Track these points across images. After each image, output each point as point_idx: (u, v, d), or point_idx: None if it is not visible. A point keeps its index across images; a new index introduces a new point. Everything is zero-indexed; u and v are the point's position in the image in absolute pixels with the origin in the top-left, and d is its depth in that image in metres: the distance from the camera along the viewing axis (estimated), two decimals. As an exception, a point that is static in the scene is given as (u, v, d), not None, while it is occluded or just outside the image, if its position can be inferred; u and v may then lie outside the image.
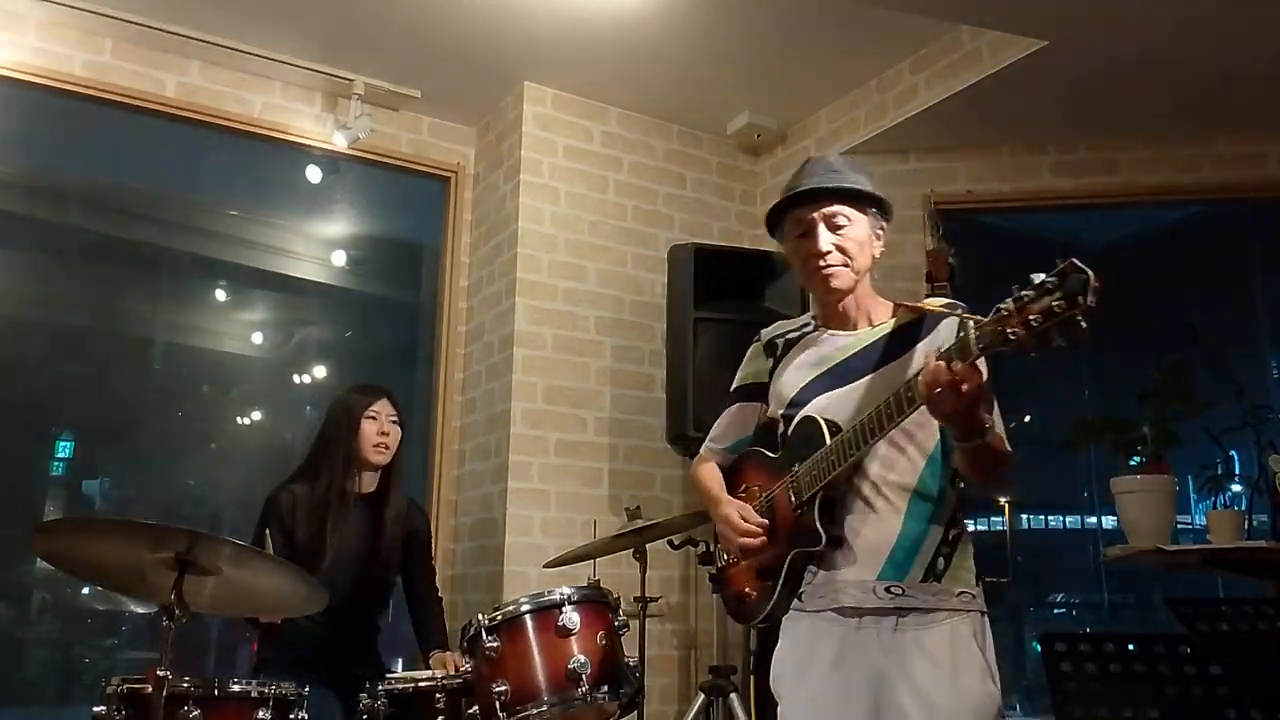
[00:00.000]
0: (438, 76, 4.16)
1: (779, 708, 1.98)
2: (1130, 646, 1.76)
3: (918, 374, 1.68)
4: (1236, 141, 4.06)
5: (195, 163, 4.27)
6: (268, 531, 2.81)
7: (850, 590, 1.88)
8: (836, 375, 1.96)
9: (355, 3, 3.68)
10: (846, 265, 1.95)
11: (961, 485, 1.94)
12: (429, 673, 2.85)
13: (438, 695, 2.57)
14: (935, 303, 1.94)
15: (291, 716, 2.46)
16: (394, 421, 3.14)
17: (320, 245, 4.63)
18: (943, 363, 1.62)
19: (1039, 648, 2.01)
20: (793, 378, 2.02)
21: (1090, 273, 1.43)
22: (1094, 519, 5.21)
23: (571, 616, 2.53)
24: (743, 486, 2.09)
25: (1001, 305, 1.53)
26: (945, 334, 1.87)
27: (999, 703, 1.85)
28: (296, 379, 4.63)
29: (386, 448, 3.11)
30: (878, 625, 1.86)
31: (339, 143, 4.19)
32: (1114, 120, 3.99)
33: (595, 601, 2.63)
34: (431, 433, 4.35)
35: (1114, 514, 3.41)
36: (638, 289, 4.31)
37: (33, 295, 4.06)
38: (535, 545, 3.84)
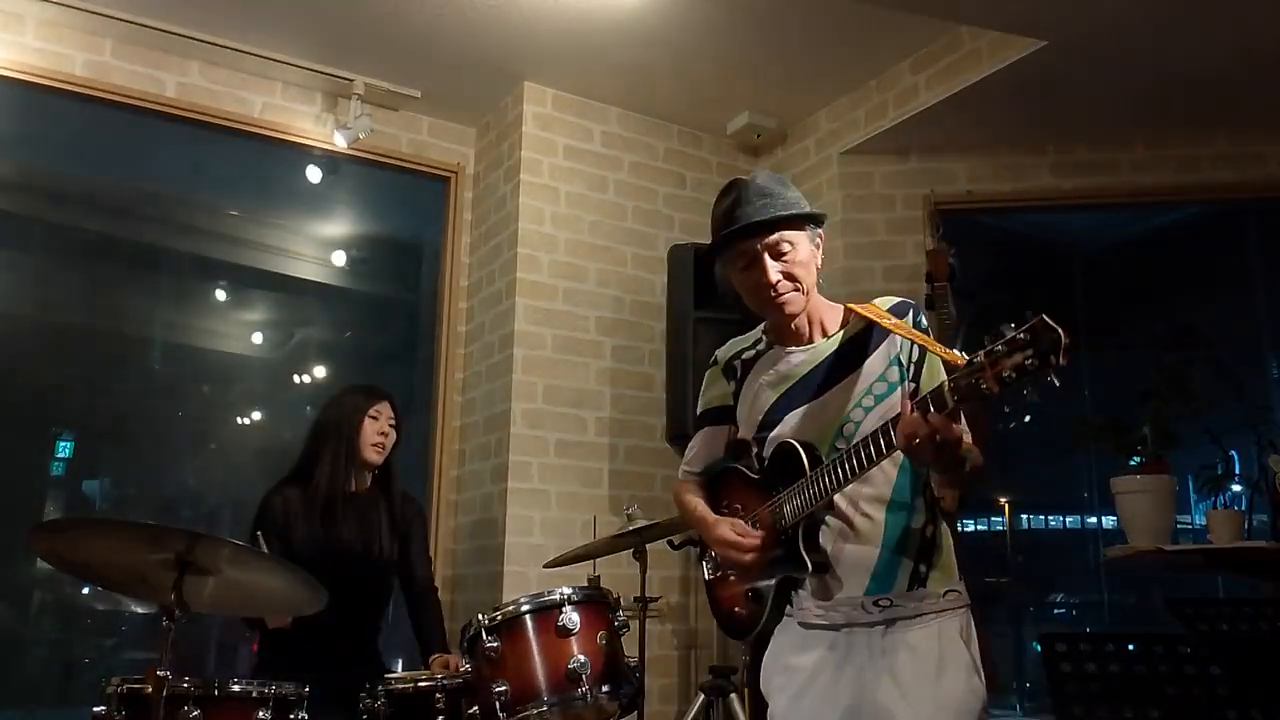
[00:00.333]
0: (438, 76, 4.16)
1: (768, 709, 2.00)
2: (1130, 647, 1.76)
3: (896, 417, 1.69)
4: (1236, 141, 4.06)
5: (195, 163, 4.27)
6: (260, 534, 2.80)
7: (840, 608, 1.91)
8: (799, 391, 1.97)
9: (355, 3, 3.68)
10: (796, 289, 1.96)
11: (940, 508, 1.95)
12: (429, 672, 2.85)
13: (438, 695, 2.57)
14: (885, 302, 1.95)
15: (291, 717, 2.45)
16: (392, 425, 3.16)
17: (320, 245, 4.63)
18: (919, 414, 1.64)
19: (1039, 648, 2.01)
20: (758, 400, 2.03)
21: (1061, 331, 1.45)
22: (1094, 519, 5.21)
23: (571, 617, 2.53)
24: (725, 503, 2.10)
25: (974, 357, 1.55)
26: (899, 340, 1.90)
27: (984, 698, 1.86)
28: (296, 379, 4.62)
29: (384, 448, 3.13)
30: (868, 632, 1.89)
31: (339, 143, 4.19)
32: (1114, 120, 3.99)
33: (595, 602, 2.64)
34: (431, 433, 4.35)
35: (1114, 514, 3.41)
36: (638, 289, 4.31)
37: (33, 295, 4.06)
38: (535, 545, 3.84)
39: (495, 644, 2.51)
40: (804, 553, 1.88)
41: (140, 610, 3.64)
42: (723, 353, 2.16)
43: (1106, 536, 4.58)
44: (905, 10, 3.56)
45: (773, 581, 1.96)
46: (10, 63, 3.71)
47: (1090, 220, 4.91)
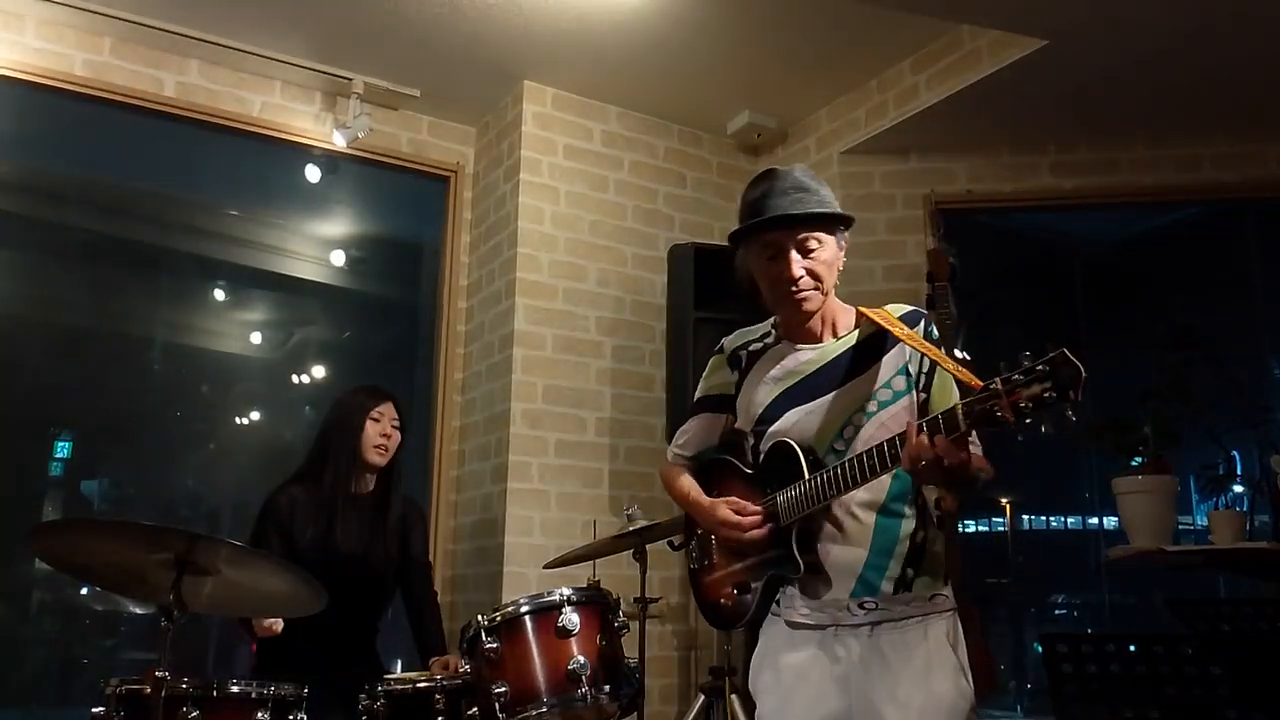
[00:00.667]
0: (437, 76, 4.16)
1: (756, 709, 2.00)
2: (1131, 647, 1.76)
3: (903, 433, 1.69)
4: (1236, 141, 4.06)
5: (195, 162, 4.27)
6: (271, 534, 2.80)
7: (827, 609, 1.91)
8: (804, 390, 1.97)
9: (355, 2, 3.68)
10: (817, 288, 1.96)
11: (940, 509, 1.95)
12: (428, 673, 2.85)
13: (437, 696, 2.56)
14: (897, 310, 1.96)
15: (290, 717, 2.45)
16: (395, 426, 3.16)
17: (319, 245, 4.63)
18: (925, 438, 1.65)
19: (1040, 648, 2.01)
20: (760, 393, 2.03)
21: (1081, 367, 1.47)
22: (1095, 519, 5.21)
23: (571, 617, 2.53)
24: (714, 493, 2.10)
25: (991, 383, 1.56)
26: (909, 350, 1.91)
27: (972, 701, 1.87)
28: (296, 379, 4.62)
29: (386, 450, 3.13)
30: (854, 632, 1.89)
31: (338, 142, 4.19)
32: (1114, 120, 3.99)
33: (595, 602, 2.63)
34: (431, 433, 4.34)
35: (1115, 514, 3.41)
36: (638, 289, 4.31)
37: (32, 295, 4.06)
38: (535, 546, 3.84)
39: (495, 645, 2.50)
40: (797, 554, 1.88)
41: (139, 610, 3.64)
42: (729, 341, 2.15)
43: (1108, 537, 4.58)
44: (905, 10, 3.55)
45: (761, 583, 1.96)
46: (10, 62, 3.71)
47: (1090, 220, 4.91)
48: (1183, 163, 4.12)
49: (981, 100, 3.78)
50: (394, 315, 4.91)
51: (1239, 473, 3.48)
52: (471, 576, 4.07)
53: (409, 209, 4.71)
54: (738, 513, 1.97)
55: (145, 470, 4.33)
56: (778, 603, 1.99)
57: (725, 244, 4.67)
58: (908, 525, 1.91)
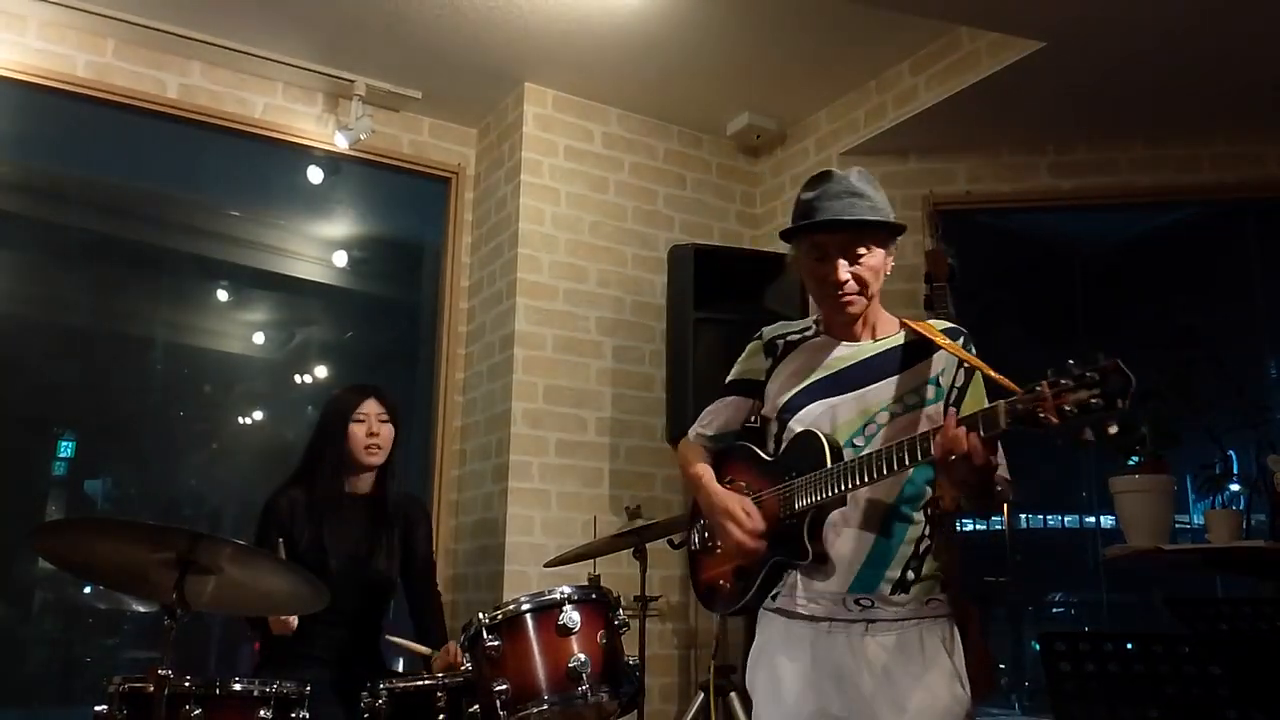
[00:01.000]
0: (439, 77, 4.17)
1: (753, 708, 2.01)
2: (1129, 646, 1.77)
3: (937, 428, 1.70)
4: (1236, 142, 4.06)
5: (196, 163, 4.28)
6: (280, 541, 2.81)
7: (822, 600, 1.93)
8: (833, 383, 1.99)
9: (356, 4, 3.69)
10: (861, 293, 1.97)
11: (940, 508, 1.96)
12: (430, 672, 2.86)
13: (439, 694, 2.57)
14: (939, 325, 1.97)
15: (293, 716, 2.46)
16: (384, 421, 3.11)
17: (321, 245, 4.64)
18: (963, 430, 1.65)
19: (1038, 647, 2.02)
20: (790, 381, 2.04)
21: (1132, 378, 1.47)
22: (1093, 518, 5.21)
23: (572, 616, 2.54)
24: (729, 479, 2.11)
25: (1038, 386, 1.56)
26: (942, 364, 1.93)
27: (968, 706, 1.87)
28: (297, 379, 4.63)
29: (378, 448, 3.09)
30: (847, 631, 1.90)
31: (340, 143, 4.20)
32: (1113, 120, 4.00)
33: (595, 601, 2.64)
34: (432, 433, 4.35)
35: (1113, 513, 3.42)
36: (638, 289, 4.32)
37: (33, 295, 4.07)
38: (535, 545, 3.85)
39: (496, 643, 2.51)
40: (807, 542, 1.89)
41: (142, 609, 3.64)
42: (769, 330, 2.15)
43: (1105, 536, 4.58)
44: (905, 11, 3.56)
45: (764, 567, 1.96)
46: (12, 63, 3.72)
47: (1090, 220, 4.91)
48: (1182, 163, 4.12)
49: (980, 101, 3.79)
50: (395, 316, 4.92)
51: (1236, 472, 3.48)
52: (472, 575, 4.08)
53: (410, 210, 4.72)
54: (749, 514, 1.98)
55: (148, 470, 4.35)
56: (774, 596, 2.00)
57: (725, 245, 4.70)
58: (914, 530, 1.92)
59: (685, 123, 4.54)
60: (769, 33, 3.81)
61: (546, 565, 3.35)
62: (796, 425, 1.98)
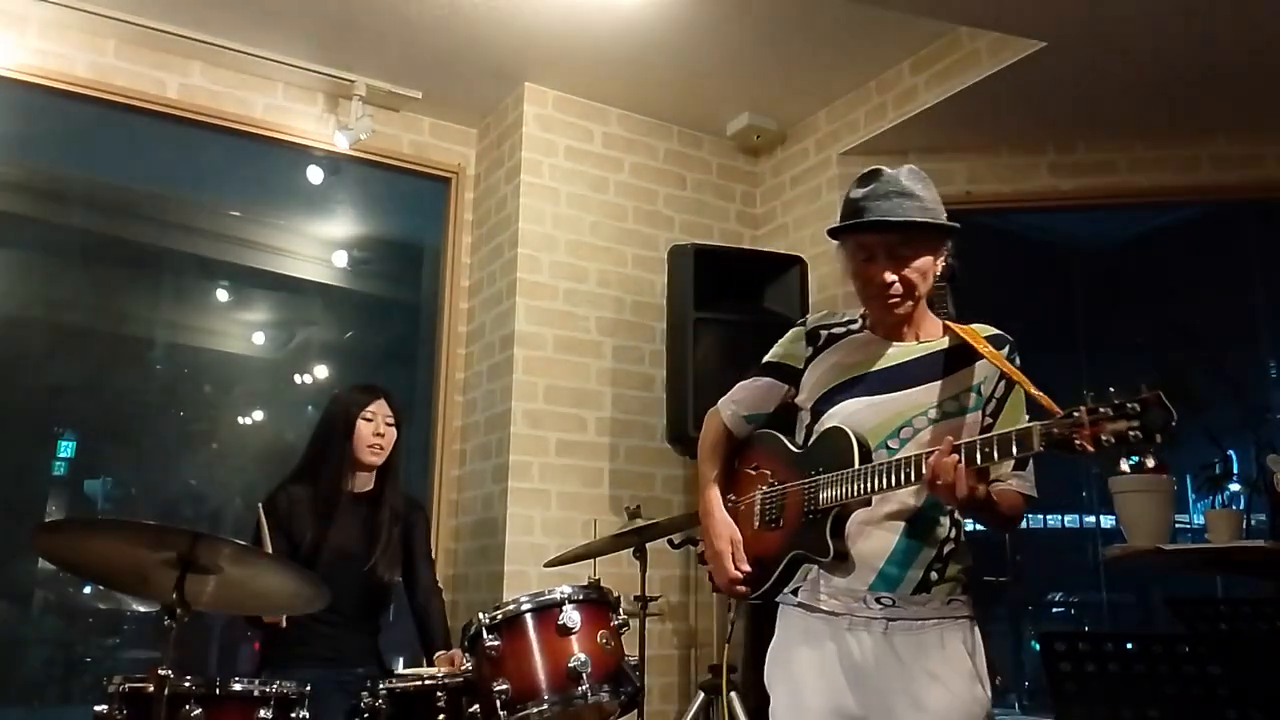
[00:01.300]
0: (439, 77, 4.17)
1: (771, 702, 2.00)
2: (1130, 646, 1.77)
3: (930, 451, 1.71)
4: (1236, 142, 4.06)
5: (197, 163, 4.28)
6: (268, 533, 2.81)
7: (841, 597, 1.91)
8: (872, 383, 1.96)
9: (357, 4, 3.69)
10: (906, 295, 1.93)
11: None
12: (430, 670, 2.86)
13: (439, 694, 2.57)
14: (983, 331, 1.94)
15: (293, 715, 2.46)
16: (390, 423, 3.15)
17: (321, 245, 4.64)
18: (953, 459, 1.66)
19: (1039, 647, 2.02)
20: (828, 375, 2.01)
21: (1174, 412, 1.45)
22: (1093, 518, 5.22)
23: (572, 615, 2.54)
24: (754, 465, 2.09)
25: (1075, 411, 1.53)
26: (985, 371, 1.91)
27: (988, 708, 1.86)
28: (298, 379, 4.63)
29: (381, 449, 3.12)
30: (867, 628, 1.89)
31: (340, 143, 4.20)
32: (1113, 120, 4.00)
33: (595, 601, 2.64)
34: (432, 433, 4.35)
35: (1113, 513, 3.42)
36: (638, 289, 4.32)
37: (33, 295, 4.07)
38: (535, 545, 3.85)
39: (496, 643, 2.51)
40: (829, 539, 1.88)
41: (142, 609, 3.66)
42: (813, 318, 2.12)
43: (1105, 536, 4.59)
44: (905, 11, 3.56)
45: (783, 560, 1.96)
46: (13, 64, 3.72)
47: (1090, 220, 4.92)
48: (1182, 163, 4.11)
49: (980, 101, 3.79)
50: (395, 315, 4.92)
51: (1235, 472, 3.49)
52: (472, 575, 4.08)
53: (410, 210, 4.72)
54: (735, 551, 2.00)
55: (148, 470, 4.35)
56: (795, 591, 1.99)
57: (725, 245, 4.70)
58: (941, 531, 1.91)
59: (685, 123, 4.54)
60: (769, 33, 3.81)
61: (546, 565, 3.35)
62: (829, 420, 1.96)
